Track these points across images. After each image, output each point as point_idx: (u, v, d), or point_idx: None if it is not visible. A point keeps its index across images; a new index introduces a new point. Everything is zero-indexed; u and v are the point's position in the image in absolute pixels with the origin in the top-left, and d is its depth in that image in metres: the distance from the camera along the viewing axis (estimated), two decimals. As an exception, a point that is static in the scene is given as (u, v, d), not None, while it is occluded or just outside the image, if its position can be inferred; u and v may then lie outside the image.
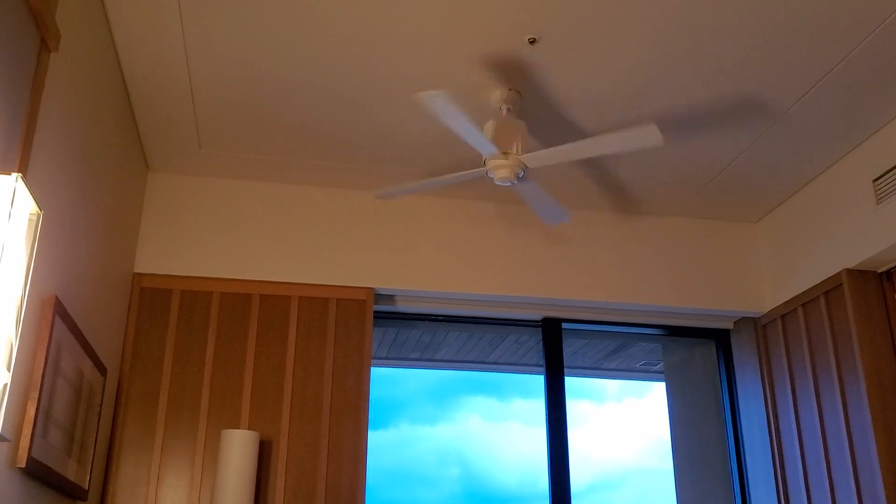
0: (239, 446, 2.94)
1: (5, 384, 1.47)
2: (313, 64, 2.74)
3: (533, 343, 4.01)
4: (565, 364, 3.74)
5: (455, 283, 3.56)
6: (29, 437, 1.96)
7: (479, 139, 2.65)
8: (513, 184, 2.82)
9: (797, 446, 3.44)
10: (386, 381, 3.92)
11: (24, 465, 1.95)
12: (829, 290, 3.33)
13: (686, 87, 2.86)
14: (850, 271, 3.23)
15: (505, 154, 2.75)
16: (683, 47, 2.64)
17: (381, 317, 3.67)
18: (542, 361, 3.75)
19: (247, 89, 2.89)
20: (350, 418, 3.29)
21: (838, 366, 3.25)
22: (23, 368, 1.96)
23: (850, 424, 3.15)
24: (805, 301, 3.48)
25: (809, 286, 3.45)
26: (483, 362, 4.26)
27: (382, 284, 3.50)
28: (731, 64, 2.73)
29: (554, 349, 3.74)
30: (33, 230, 1.60)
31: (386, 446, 3.74)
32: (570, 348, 3.95)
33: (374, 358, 3.43)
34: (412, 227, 3.61)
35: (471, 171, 2.85)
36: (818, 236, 3.45)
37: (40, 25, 1.87)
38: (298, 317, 3.39)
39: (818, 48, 2.65)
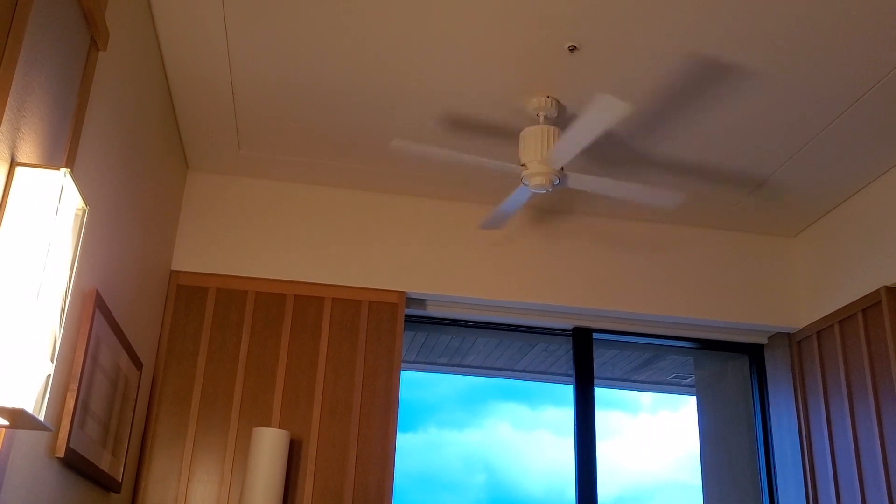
0: (269, 444, 2.97)
1: (48, 375, 1.50)
2: (351, 70, 2.77)
3: (562, 352, 4.00)
4: (594, 374, 3.72)
5: (486, 290, 3.56)
6: (68, 427, 2.00)
7: (493, 164, 2.74)
8: (548, 190, 2.83)
9: (830, 466, 3.39)
10: (416, 384, 3.94)
11: (62, 456, 1.98)
12: (868, 307, 3.28)
13: (727, 97, 2.84)
14: (889, 289, 3.17)
15: (539, 162, 2.76)
16: (724, 57, 2.62)
17: (411, 320, 3.68)
18: (571, 371, 3.73)
19: (286, 93, 2.93)
20: (379, 420, 3.30)
21: (874, 385, 3.19)
22: (63, 361, 2.00)
23: (885, 445, 3.09)
24: (842, 318, 3.43)
25: (847, 303, 3.40)
26: (511, 370, 4.25)
27: (414, 288, 3.51)
28: (774, 73, 2.71)
29: (584, 359, 3.72)
30: (79, 225, 1.63)
31: (412, 450, 3.75)
32: (599, 359, 3.92)
33: (403, 361, 3.45)
34: (445, 233, 3.62)
35: (519, 188, 2.86)
36: (857, 252, 3.40)
37: (90, 24, 1.91)
38: (331, 318, 3.41)
39: (866, 58, 2.61)
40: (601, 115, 2.48)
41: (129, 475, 2.94)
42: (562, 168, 2.79)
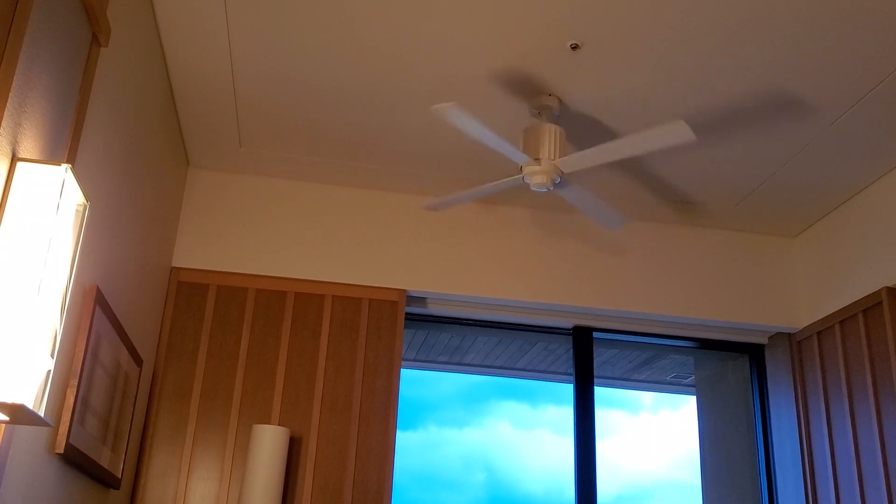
0: (269, 441, 2.97)
1: (49, 370, 1.50)
2: (353, 68, 2.77)
3: (562, 351, 4.00)
4: (595, 373, 3.72)
5: (487, 288, 3.56)
6: (67, 423, 2.00)
7: (506, 147, 2.65)
8: (549, 189, 2.82)
9: (830, 466, 3.39)
10: (416, 382, 3.94)
11: (62, 451, 1.98)
12: (868, 308, 3.28)
13: (730, 97, 2.84)
14: (890, 289, 3.17)
15: (540, 160, 2.75)
16: (726, 57, 2.62)
17: (411, 319, 3.68)
18: (571, 370, 3.73)
19: (288, 91, 2.92)
20: (379, 418, 3.30)
21: (875, 386, 3.19)
22: (64, 356, 2.00)
23: (885, 446, 3.09)
24: (843, 318, 3.42)
25: (848, 303, 3.40)
26: (511, 368, 4.25)
27: (415, 287, 3.51)
28: (777, 74, 2.70)
29: (584, 358, 3.72)
30: (79, 221, 1.63)
31: (412, 448, 3.75)
32: (599, 358, 3.93)
33: (403, 359, 3.45)
34: (446, 231, 3.62)
35: (508, 179, 2.85)
36: (858, 253, 3.40)
37: (92, 20, 1.91)
38: (331, 315, 3.41)
39: (867, 59, 2.61)
40: (666, 137, 2.49)
41: (128, 471, 2.95)
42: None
